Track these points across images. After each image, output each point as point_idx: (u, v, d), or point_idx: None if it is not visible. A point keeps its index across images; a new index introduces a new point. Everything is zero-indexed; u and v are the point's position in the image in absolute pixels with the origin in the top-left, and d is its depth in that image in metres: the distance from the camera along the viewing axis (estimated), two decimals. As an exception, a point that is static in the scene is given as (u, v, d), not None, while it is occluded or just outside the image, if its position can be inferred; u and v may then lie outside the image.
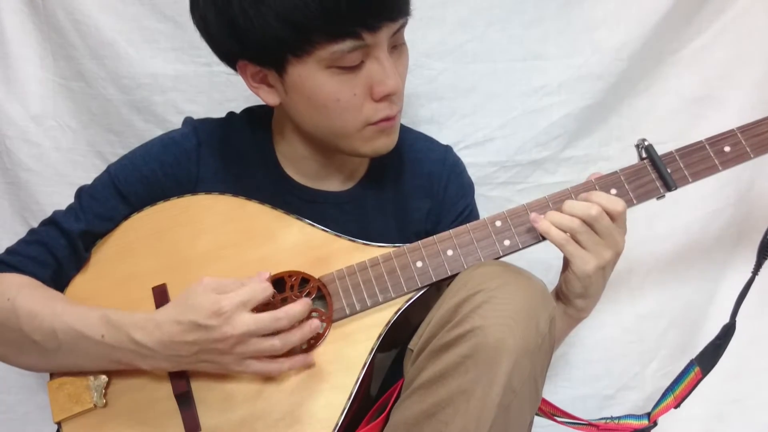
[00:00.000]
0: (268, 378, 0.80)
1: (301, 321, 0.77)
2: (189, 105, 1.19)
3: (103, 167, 0.91)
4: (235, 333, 0.73)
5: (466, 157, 1.10)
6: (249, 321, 0.74)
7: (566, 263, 0.84)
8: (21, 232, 0.89)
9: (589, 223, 0.80)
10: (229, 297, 0.73)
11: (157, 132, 0.95)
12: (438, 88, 1.19)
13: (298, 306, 0.76)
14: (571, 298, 0.85)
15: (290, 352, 0.79)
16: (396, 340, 0.86)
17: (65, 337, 0.78)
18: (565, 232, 0.80)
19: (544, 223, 0.81)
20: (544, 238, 0.84)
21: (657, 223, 1.23)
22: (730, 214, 1.24)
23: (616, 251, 0.82)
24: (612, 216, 0.80)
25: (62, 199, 0.90)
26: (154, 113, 1.19)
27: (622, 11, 1.16)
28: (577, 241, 0.80)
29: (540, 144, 1.21)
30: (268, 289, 0.76)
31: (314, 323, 0.78)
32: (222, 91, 1.18)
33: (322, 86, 0.79)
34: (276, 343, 0.76)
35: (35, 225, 0.89)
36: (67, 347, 0.78)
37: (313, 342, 0.82)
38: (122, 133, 1.21)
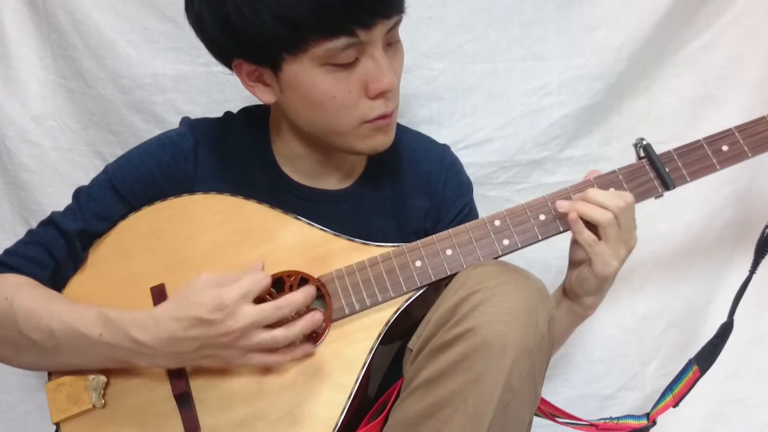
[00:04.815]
0: (268, 377, 0.80)
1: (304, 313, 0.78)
2: (188, 105, 1.19)
3: (102, 167, 0.91)
4: (239, 326, 0.73)
5: (466, 157, 1.10)
6: (252, 312, 0.74)
7: (578, 263, 0.84)
8: (21, 232, 0.89)
9: (616, 215, 0.80)
10: (230, 290, 0.73)
11: (157, 132, 0.95)
12: (438, 88, 1.19)
13: (300, 294, 0.77)
14: (582, 296, 0.86)
15: (291, 345, 0.79)
16: (396, 336, 0.86)
17: (63, 335, 0.78)
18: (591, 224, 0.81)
19: (579, 224, 0.81)
20: (543, 238, 0.84)
21: (657, 223, 1.23)
22: (729, 214, 1.24)
23: (629, 247, 0.83)
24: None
25: (62, 199, 0.90)
26: (154, 113, 1.19)
27: (622, 11, 1.16)
28: (604, 235, 0.80)
29: (539, 144, 1.21)
30: (265, 279, 0.76)
31: (316, 315, 0.78)
32: (221, 91, 1.18)
33: (317, 84, 0.79)
34: (278, 334, 0.76)
35: (35, 225, 0.89)
36: (64, 346, 0.78)
37: (312, 342, 0.82)
38: (121, 134, 1.21)
